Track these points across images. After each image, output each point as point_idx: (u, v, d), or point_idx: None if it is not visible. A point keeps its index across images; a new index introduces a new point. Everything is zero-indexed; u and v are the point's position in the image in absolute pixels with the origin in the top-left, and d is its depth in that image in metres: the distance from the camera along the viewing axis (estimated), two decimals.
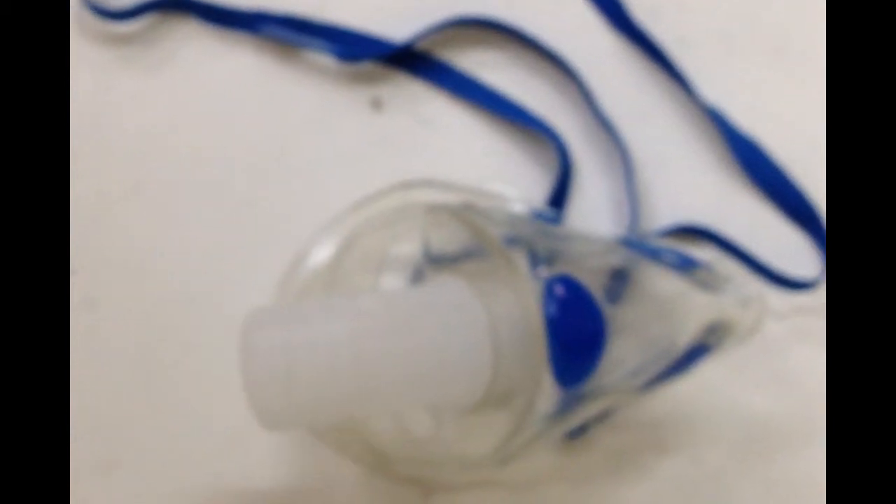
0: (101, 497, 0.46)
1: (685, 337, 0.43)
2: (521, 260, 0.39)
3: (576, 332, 0.39)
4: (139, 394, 0.48)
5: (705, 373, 0.48)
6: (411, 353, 0.37)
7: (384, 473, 0.47)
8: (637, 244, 0.45)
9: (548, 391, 0.39)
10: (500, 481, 0.47)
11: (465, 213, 0.42)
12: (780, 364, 0.51)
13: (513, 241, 0.41)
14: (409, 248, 0.45)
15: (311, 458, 0.47)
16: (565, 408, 0.41)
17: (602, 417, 0.47)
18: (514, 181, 0.52)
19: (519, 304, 0.38)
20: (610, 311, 0.40)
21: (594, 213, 0.52)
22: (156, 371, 0.48)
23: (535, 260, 0.40)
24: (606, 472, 0.49)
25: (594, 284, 0.41)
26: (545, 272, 0.39)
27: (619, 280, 0.43)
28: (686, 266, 0.44)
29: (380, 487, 0.47)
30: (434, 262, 0.44)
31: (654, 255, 0.45)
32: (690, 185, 0.54)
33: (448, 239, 0.43)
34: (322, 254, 0.46)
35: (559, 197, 0.51)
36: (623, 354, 0.41)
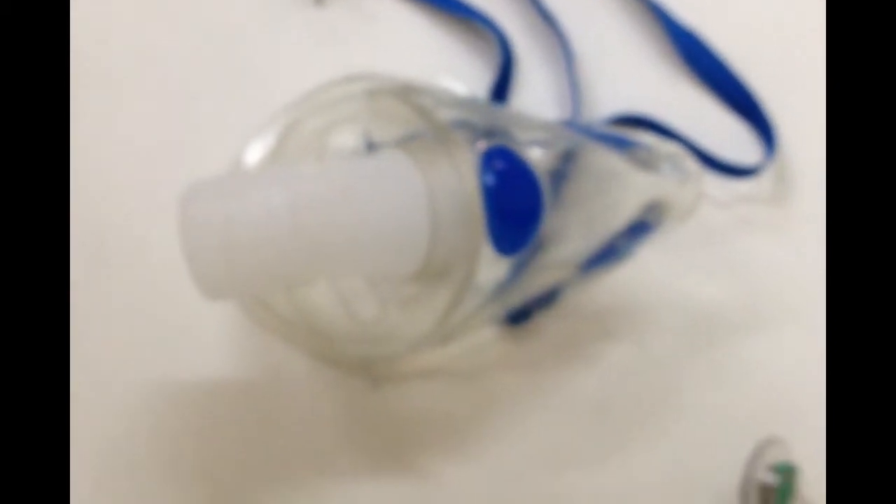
0: None
1: (625, 213, 0.44)
2: (459, 132, 0.39)
3: (513, 200, 0.39)
4: (88, 289, 0.47)
5: (649, 261, 0.49)
6: (349, 220, 0.37)
7: (332, 361, 0.47)
8: (577, 126, 0.46)
9: (486, 260, 0.39)
10: (447, 370, 0.48)
11: (406, 94, 0.42)
12: (722, 252, 0.52)
13: (452, 119, 0.41)
14: (349, 139, 0.45)
15: (261, 351, 0.47)
16: (507, 282, 0.41)
17: (546, 302, 0.48)
18: (458, 75, 0.52)
19: (457, 175, 0.39)
20: (549, 186, 0.41)
21: (536, 105, 0.52)
22: (103, 265, 0.48)
23: (474, 133, 0.40)
24: (552, 360, 0.49)
25: (534, 159, 0.41)
26: (483, 144, 0.39)
27: (561, 159, 0.43)
28: (625, 145, 0.45)
29: (328, 379, 0.47)
30: (374, 151, 0.44)
31: (594, 135, 0.45)
32: (632, 77, 0.54)
33: (388, 128, 0.44)
34: (263, 143, 0.46)
35: (501, 89, 0.51)
36: (563, 228, 0.42)
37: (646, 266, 0.49)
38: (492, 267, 0.40)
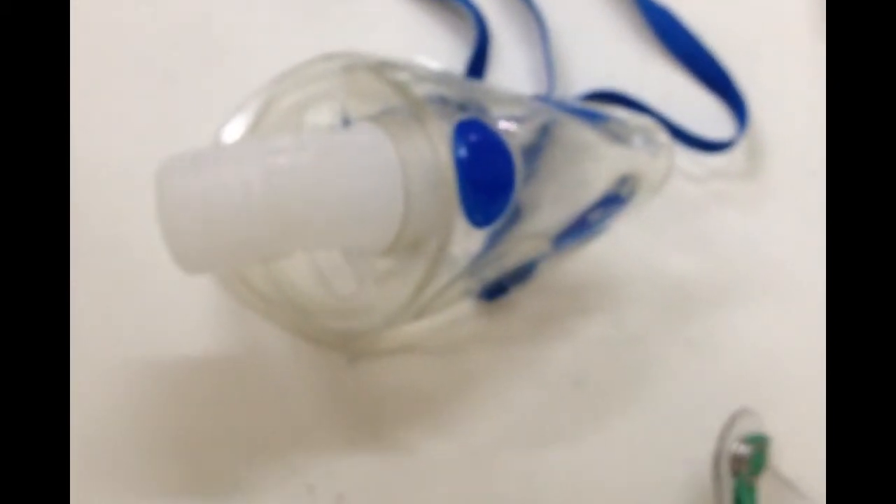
0: None
1: (598, 186, 0.44)
2: (434, 106, 0.40)
3: (485, 172, 0.39)
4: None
5: (624, 236, 0.49)
6: (323, 192, 0.38)
7: (310, 337, 0.47)
8: (551, 100, 0.46)
9: (461, 233, 0.39)
10: (424, 345, 0.48)
11: (382, 69, 0.42)
12: (697, 226, 0.52)
13: (428, 93, 0.41)
14: (326, 116, 0.45)
15: (240, 327, 0.47)
16: (481, 254, 0.41)
17: (521, 277, 0.48)
18: (434, 52, 0.52)
19: (430, 147, 0.39)
20: (523, 159, 0.41)
21: (512, 81, 0.53)
22: (84, 245, 0.48)
23: (447, 106, 0.40)
24: (529, 335, 0.49)
25: (508, 133, 0.41)
26: (456, 116, 0.40)
27: (535, 132, 0.43)
28: (598, 119, 0.45)
29: (307, 354, 0.47)
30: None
31: (568, 109, 0.45)
32: (606, 53, 0.55)
33: (365, 105, 0.44)
34: (241, 121, 0.46)
35: (477, 66, 0.52)
36: (537, 200, 0.42)
37: (620, 241, 0.50)
38: (466, 239, 0.40)
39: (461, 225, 0.39)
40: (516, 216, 0.41)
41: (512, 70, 0.53)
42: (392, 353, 0.48)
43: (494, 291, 0.48)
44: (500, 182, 0.40)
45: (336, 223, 0.38)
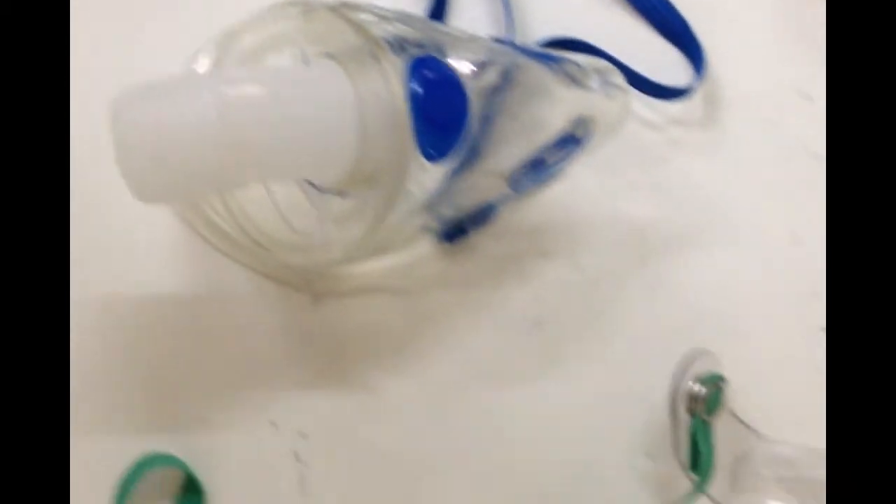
0: None
1: (554, 126, 0.45)
2: (391, 45, 0.40)
3: (439, 107, 0.40)
4: None
5: (583, 180, 0.50)
6: (277, 121, 0.38)
7: (273, 274, 0.47)
8: (509, 43, 0.47)
9: (418, 169, 0.40)
10: (386, 286, 0.49)
11: (342, 9, 0.42)
12: (655, 172, 0.53)
13: (388, 34, 0.41)
14: (286, 62, 0.45)
15: (206, 268, 0.48)
16: (439, 190, 0.42)
17: (481, 220, 0.49)
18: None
19: (385, 83, 0.39)
20: (480, 97, 0.42)
21: (471, 28, 0.53)
22: None
23: (404, 43, 0.41)
24: (489, 277, 0.50)
25: (464, 71, 0.42)
26: (411, 53, 0.40)
27: (491, 73, 0.44)
28: (555, 61, 0.46)
29: (271, 294, 0.48)
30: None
31: (525, 52, 0.46)
32: (564, 1, 0.55)
33: (324, 50, 0.44)
34: (201, 63, 0.46)
35: (438, 12, 0.52)
36: (494, 139, 0.43)
37: (579, 185, 0.51)
38: (422, 175, 0.41)
39: (416, 160, 0.40)
40: (473, 155, 0.42)
41: (471, 16, 0.54)
42: (354, 293, 0.48)
43: (455, 234, 0.49)
44: (454, 117, 0.40)
45: (291, 155, 0.39)
